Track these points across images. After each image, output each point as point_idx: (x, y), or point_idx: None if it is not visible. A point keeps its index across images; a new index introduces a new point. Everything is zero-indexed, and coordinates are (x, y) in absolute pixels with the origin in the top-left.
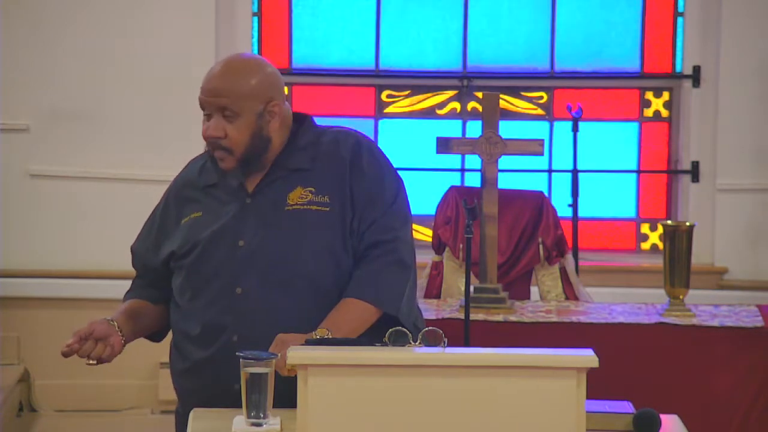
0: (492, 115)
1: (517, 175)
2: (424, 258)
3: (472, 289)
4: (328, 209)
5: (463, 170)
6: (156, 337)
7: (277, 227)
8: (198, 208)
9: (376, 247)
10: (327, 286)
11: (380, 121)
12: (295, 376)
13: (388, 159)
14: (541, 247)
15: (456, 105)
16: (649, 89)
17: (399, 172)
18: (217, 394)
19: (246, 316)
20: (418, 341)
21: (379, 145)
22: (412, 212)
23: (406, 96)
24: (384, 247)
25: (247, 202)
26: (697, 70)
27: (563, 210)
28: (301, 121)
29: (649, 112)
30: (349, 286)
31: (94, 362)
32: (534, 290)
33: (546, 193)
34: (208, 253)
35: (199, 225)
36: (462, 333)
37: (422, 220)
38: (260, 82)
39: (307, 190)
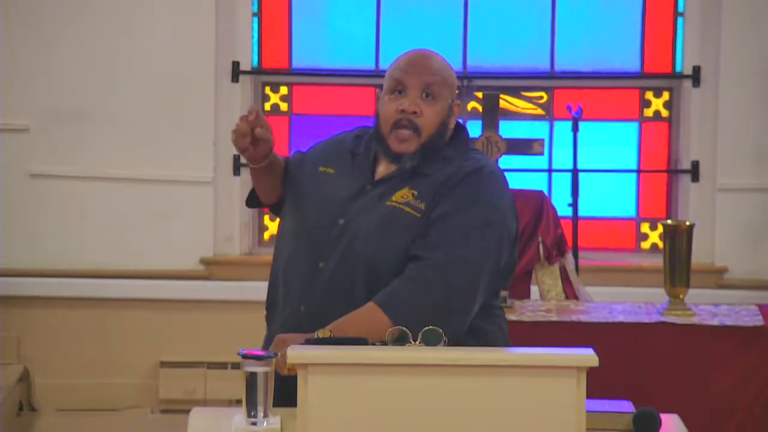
0: (492, 115)
1: (517, 175)
2: None
3: None
4: (419, 215)
5: None
6: (260, 198)
7: (371, 218)
8: (333, 166)
9: (413, 260)
10: None
11: None
12: (295, 375)
13: (498, 202)
14: (541, 246)
15: None
16: (649, 89)
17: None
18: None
19: (318, 290)
20: (418, 341)
21: (502, 189)
22: None
23: None
24: (418, 262)
25: (367, 188)
26: (697, 70)
27: (563, 209)
28: (457, 131)
29: (649, 112)
30: (380, 292)
31: (248, 135)
32: (534, 289)
33: (546, 193)
34: (314, 217)
35: (326, 182)
36: None
37: None
38: (454, 76)
39: (412, 192)
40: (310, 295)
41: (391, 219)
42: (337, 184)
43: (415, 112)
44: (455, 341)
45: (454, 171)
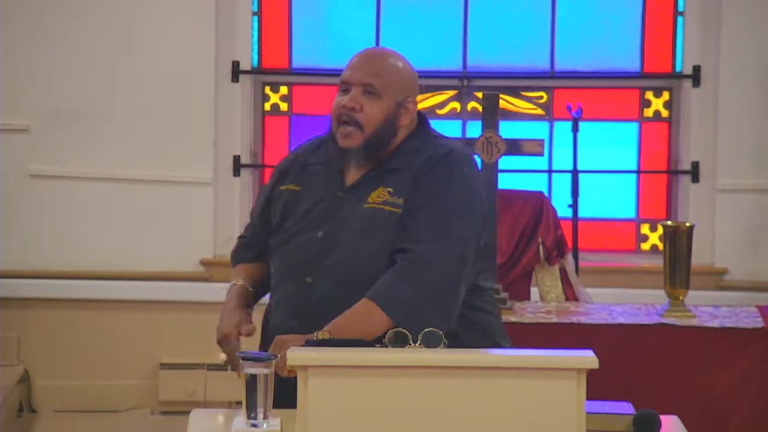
0: (492, 115)
1: (517, 176)
2: None
3: None
4: (400, 211)
5: None
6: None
7: (350, 223)
8: (297, 182)
9: (398, 253)
10: None
11: None
12: (295, 376)
13: (472, 184)
14: (541, 247)
15: (456, 105)
16: (649, 89)
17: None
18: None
19: (309, 305)
20: (418, 342)
21: (474, 171)
22: None
23: None
24: (404, 255)
25: (339, 195)
26: (697, 70)
27: (563, 210)
28: (420, 122)
29: (649, 112)
30: (372, 288)
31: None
32: (534, 291)
33: (546, 194)
34: (294, 238)
35: (295, 201)
36: None
37: None
38: (407, 75)
39: (386, 190)
40: (303, 310)
41: (373, 221)
42: (308, 199)
43: (353, 108)
44: (447, 329)
45: (426, 159)
